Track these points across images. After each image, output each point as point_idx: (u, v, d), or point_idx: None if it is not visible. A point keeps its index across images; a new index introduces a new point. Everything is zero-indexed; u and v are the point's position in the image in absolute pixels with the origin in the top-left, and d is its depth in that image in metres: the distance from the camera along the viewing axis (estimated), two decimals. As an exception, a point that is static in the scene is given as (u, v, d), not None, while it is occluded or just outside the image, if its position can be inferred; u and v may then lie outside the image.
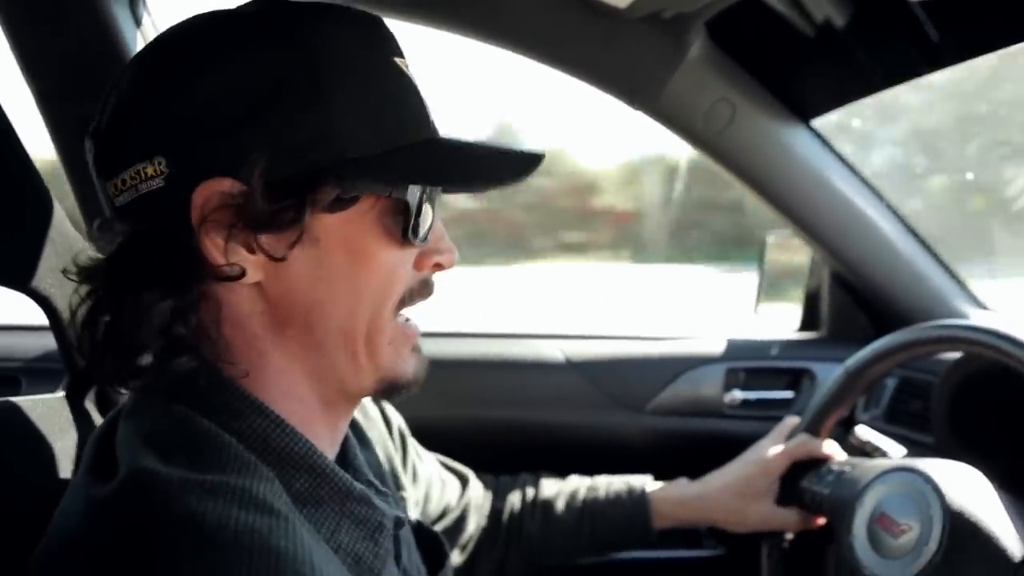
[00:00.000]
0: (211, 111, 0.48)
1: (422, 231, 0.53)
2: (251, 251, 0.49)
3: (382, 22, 0.54)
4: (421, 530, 0.68)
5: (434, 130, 0.55)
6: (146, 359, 0.51)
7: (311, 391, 0.54)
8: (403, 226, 0.52)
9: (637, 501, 0.92)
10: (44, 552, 0.46)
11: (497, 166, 0.54)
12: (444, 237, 0.57)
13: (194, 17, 0.52)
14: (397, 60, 0.53)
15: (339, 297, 0.51)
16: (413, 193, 0.52)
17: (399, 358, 0.56)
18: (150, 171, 0.48)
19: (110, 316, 0.50)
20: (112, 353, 0.50)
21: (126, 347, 0.49)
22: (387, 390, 0.56)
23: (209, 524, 0.41)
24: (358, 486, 0.53)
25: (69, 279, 0.52)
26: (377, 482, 0.62)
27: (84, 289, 0.52)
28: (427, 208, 0.53)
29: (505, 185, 0.53)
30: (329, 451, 0.56)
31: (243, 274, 0.49)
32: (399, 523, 0.57)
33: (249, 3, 0.52)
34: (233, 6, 0.53)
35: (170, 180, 0.48)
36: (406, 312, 0.56)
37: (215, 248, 0.48)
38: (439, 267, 0.57)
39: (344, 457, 0.61)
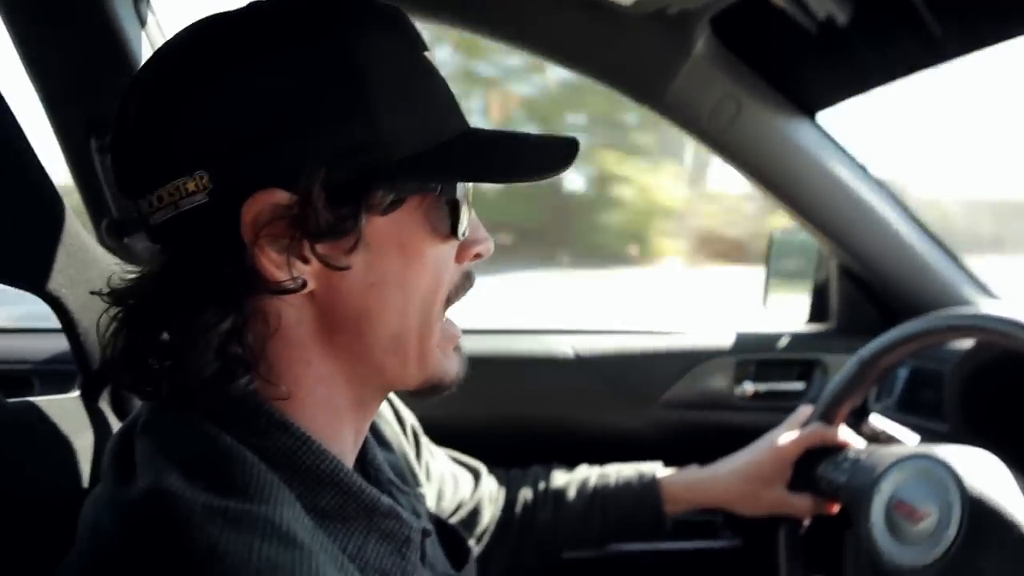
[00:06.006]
0: (252, 119, 0.45)
1: (465, 224, 0.53)
2: (306, 262, 0.47)
3: (402, 12, 0.52)
4: (442, 526, 0.68)
5: (466, 121, 0.54)
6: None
7: (348, 395, 0.53)
8: (451, 222, 0.51)
9: (647, 486, 0.92)
10: (77, 563, 0.45)
11: (542, 155, 0.53)
12: (480, 226, 0.57)
13: (217, 16, 0.49)
14: (426, 54, 0.52)
15: (390, 301, 0.50)
16: (460, 189, 0.51)
17: (445, 358, 0.56)
18: (191, 186, 0.45)
19: (159, 340, 0.48)
20: (163, 378, 0.47)
21: (179, 371, 0.47)
22: (430, 390, 0.56)
23: (232, 558, 0.40)
24: (385, 500, 0.52)
25: (104, 301, 0.50)
26: (398, 481, 0.62)
27: (116, 309, 0.49)
28: (468, 200, 0.53)
29: (553, 174, 0.52)
30: (352, 451, 0.56)
31: (304, 286, 0.48)
32: (426, 534, 0.57)
33: (269, 1, 0.49)
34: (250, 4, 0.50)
35: (214, 195, 0.45)
36: (449, 312, 0.56)
37: (271, 263, 0.46)
38: (478, 256, 0.56)
39: (363, 455, 0.60)
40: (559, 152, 0.52)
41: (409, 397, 0.58)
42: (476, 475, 0.90)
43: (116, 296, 0.49)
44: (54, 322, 0.67)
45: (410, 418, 0.80)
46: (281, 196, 0.45)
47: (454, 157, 0.50)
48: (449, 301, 0.55)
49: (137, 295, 0.49)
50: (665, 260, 8.46)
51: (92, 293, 0.57)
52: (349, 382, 0.52)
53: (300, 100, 0.45)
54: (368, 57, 0.47)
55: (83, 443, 0.65)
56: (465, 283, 0.56)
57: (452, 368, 0.56)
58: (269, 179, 0.45)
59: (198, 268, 0.47)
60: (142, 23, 0.98)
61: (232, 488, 0.44)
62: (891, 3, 0.93)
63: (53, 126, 0.97)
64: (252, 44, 0.46)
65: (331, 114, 0.46)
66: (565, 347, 1.21)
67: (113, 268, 0.63)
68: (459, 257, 0.55)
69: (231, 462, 0.45)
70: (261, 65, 0.46)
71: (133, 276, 0.50)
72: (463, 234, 0.53)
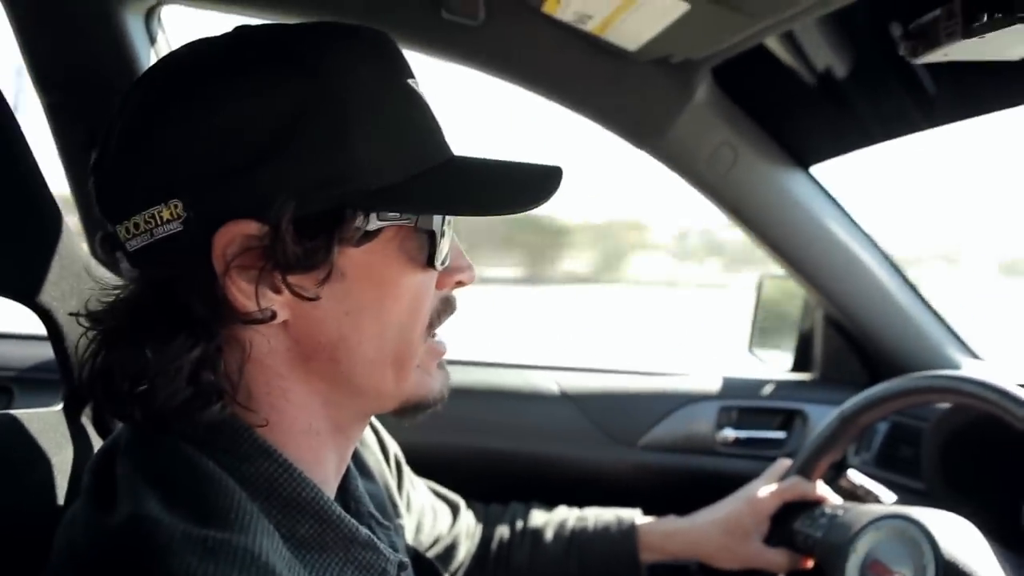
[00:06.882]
0: (228, 149, 0.45)
1: (444, 254, 0.52)
2: (277, 291, 0.47)
3: (388, 39, 0.52)
4: (419, 560, 0.68)
5: (449, 149, 0.53)
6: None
7: (328, 421, 0.53)
8: (428, 253, 0.51)
9: (625, 533, 0.92)
10: None
11: (524, 186, 0.51)
12: (462, 254, 0.56)
13: (201, 41, 0.49)
14: (409, 81, 0.51)
15: (366, 329, 0.50)
16: (437, 220, 0.50)
17: (427, 377, 0.55)
18: (166, 215, 0.45)
19: (133, 365, 0.47)
20: (136, 402, 0.47)
21: (152, 396, 0.46)
22: (413, 409, 0.55)
23: None
24: (363, 531, 0.52)
25: (81, 324, 0.50)
26: (378, 515, 0.62)
27: (96, 330, 0.49)
28: (447, 230, 0.52)
29: (534, 207, 0.50)
30: (335, 478, 0.56)
31: (274, 316, 0.47)
32: (402, 566, 0.56)
33: (253, 27, 0.49)
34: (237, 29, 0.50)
35: (188, 223, 0.45)
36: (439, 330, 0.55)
37: (242, 293, 0.46)
38: (460, 284, 0.56)
39: (345, 485, 0.60)
40: (541, 183, 0.51)
41: (394, 418, 0.57)
42: (455, 509, 0.90)
43: (92, 318, 0.50)
44: (35, 329, 0.67)
45: (393, 447, 0.80)
46: (252, 227, 0.45)
47: (432, 189, 0.49)
48: (431, 326, 0.54)
49: (112, 318, 0.49)
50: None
51: (71, 315, 0.57)
52: (327, 408, 0.52)
53: (276, 131, 0.45)
54: (349, 88, 0.47)
55: (62, 459, 0.65)
56: (447, 308, 0.56)
57: (435, 386, 0.56)
58: (241, 210, 0.45)
59: (170, 296, 0.47)
60: (152, 40, 0.99)
61: (212, 516, 0.44)
62: (889, 64, 0.95)
63: (55, 138, 0.98)
64: (230, 73, 0.46)
65: (306, 146, 0.45)
66: (551, 383, 1.22)
67: (107, 283, 0.64)
68: (440, 284, 0.54)
69: (211, 489, 0.45)
70: (239, 95, 0.45)
71: (110, 299, 0.50)
72: (441, 264, 0.52)
